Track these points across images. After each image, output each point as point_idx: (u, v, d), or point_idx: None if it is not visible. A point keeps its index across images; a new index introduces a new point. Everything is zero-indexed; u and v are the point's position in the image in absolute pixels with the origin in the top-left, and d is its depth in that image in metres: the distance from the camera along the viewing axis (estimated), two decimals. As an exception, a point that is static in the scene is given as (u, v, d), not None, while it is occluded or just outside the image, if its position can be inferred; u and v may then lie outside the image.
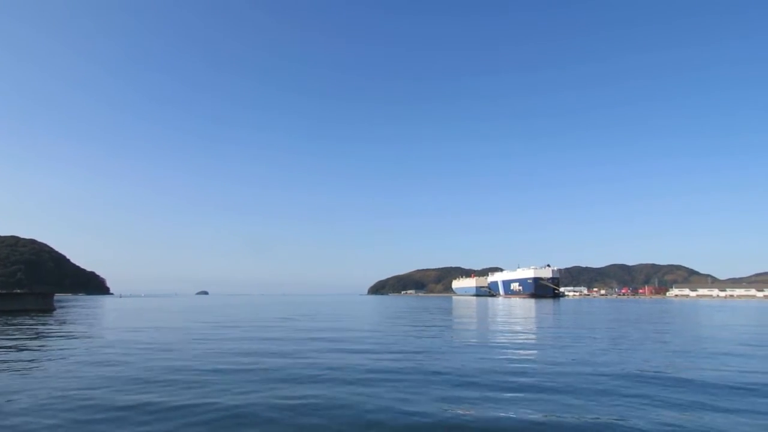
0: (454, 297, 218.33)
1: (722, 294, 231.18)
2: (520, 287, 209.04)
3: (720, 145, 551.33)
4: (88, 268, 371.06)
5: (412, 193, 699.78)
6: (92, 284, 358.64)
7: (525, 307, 67.59)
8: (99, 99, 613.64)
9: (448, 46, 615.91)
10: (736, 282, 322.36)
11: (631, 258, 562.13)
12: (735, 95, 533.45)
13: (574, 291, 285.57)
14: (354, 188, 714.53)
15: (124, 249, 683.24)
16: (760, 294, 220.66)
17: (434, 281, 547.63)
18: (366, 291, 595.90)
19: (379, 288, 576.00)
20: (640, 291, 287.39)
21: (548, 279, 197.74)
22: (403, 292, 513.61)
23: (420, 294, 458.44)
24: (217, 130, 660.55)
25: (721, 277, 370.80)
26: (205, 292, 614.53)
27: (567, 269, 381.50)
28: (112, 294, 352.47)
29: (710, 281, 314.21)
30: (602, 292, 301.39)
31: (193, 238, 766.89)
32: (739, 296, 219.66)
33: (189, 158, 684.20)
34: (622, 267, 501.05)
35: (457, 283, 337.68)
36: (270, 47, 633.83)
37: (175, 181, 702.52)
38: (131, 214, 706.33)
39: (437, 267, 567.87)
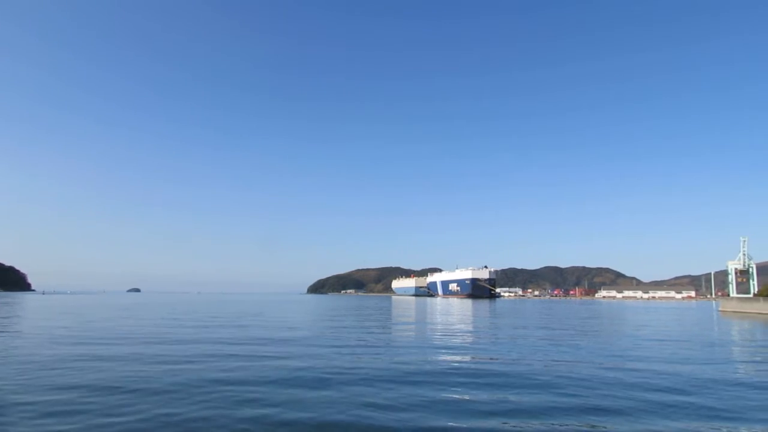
0: (394, 297, 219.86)
1: (645, 296, 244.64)
2: (458, 288, 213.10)
3: (642, 152, 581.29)
4: (6, 263, 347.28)
5: (354, 192, 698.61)
6: (10, 280, 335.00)
7: (462, 308, 68.86)
8: (20, 92, 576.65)
9: (390, 46, 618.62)
10: (658, 284, 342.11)
11: (564, 261, 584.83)
12: (661, 103, 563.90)
13: (510, 292, 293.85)
14: (296, 186, 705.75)
15: (50, 244, 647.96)
16: (678, 296, 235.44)
17: (374, 281, 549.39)
18: (305, 290, 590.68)
19: (319, 287, 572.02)
20: (571, 292, 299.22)
21: (485, 280, 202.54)
22: (342, 292, 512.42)
23: (360, 293, 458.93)
24: (144, 123, 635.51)
25: (645, 279, 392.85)
26: (137, 290, 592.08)
27: (503, 270, 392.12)
28: (33, 291, 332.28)
29: (635, 283, 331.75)
30: (536, 293, 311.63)
31: (127, 235, 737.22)
32: (660, 298, 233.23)
33: (119, 153, 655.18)
34: (555, 269, 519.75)
35: (396, 283, 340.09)
36: (206, 38, 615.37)
37: (106, 177, 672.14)
38: (58, 209, 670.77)
39: (377, 267, 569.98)
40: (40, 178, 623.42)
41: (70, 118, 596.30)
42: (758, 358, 17.98)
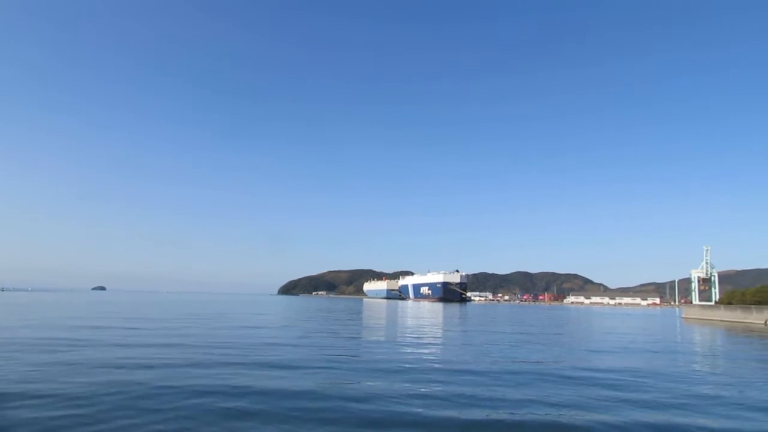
0: (365, 299, 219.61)
1: (612, 302, 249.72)
2: (430, 291, 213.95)
3: (612, 160, 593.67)
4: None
5: (327, 194, 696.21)
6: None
7: (433, 311, 69.17)
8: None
9: (357, 48, 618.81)
10: (624, 291, 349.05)
11: (534, 266, 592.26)
12: (630, 112, 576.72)
13: (480, 296, 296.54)
14: (268, 187, 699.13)
15: (12, 239, 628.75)
16: (643, 302, 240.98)
17: (346, 283, 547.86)
18: (276, 291, 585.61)
19: (290, 288, 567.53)
20: (540, 297, 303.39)
21: (456, 284, 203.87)
22: (314, 293, 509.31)
23: (331, 295, 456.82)
24: (114, 119, 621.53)
25: (612, 286, 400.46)
26: (103, 288, 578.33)
27: (474, 275, 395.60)
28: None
29: (602, 290, 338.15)
30: (506, 297, 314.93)
31: (95, 232, 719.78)
32: (626, 304, 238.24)
33: (86, 149, 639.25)
34: (525, 274, 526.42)
35: (368, 286, 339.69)
36: (176, 38, 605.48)
37: (72, 173, 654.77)
38: (20, 204, 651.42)
39: (349, 269, 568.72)
40: (1, 172, 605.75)
41: (31, 111, 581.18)
42: (714, 361, 18.63)
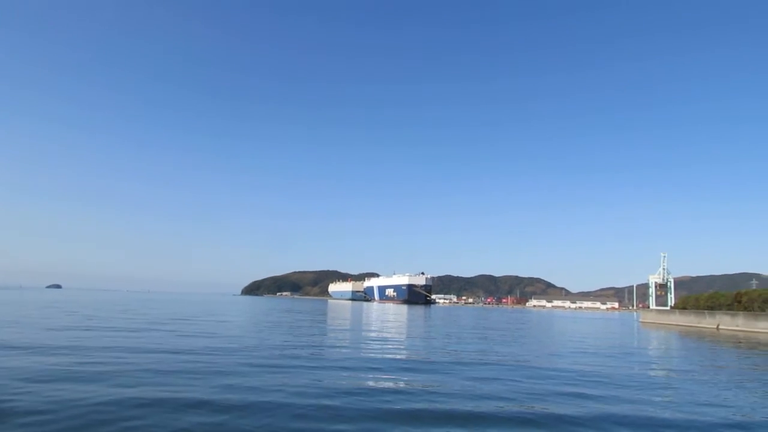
0: (330, 301, 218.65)
1: (573, 306, 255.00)
2: (395, 293, 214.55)
3: (576, 166, 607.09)
4: None
5: (294, 193, 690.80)
6: None
7: (398, 313, 69.31)
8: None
9: (327, 50, 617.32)
10: (585, 295, 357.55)
11: (498, 270, 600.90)
12: (591, 119, 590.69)
13: (445, 298, 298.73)
14: (233, 186, 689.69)
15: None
16: (603, 307, 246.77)
17: (311, 284, 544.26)
18: (240, 291, 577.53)
19: (254, 289, 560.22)
20: (504, 300, 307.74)
21: (421, 286, 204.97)
22: (278, 294, 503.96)
23: (296, 296, 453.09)
24: (70, 114, 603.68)
25: (573, 290, 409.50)
26: (58, 286, 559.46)
27: (439, 277, 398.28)
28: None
29: (564, 294, 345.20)
30: (470, 300, 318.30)
31: (50, 226, 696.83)
32: (587, 308, 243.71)
33: (41, 142, 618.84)
34: (489, 278, 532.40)
35: (333, 287, 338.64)
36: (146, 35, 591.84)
37: (28, 165, 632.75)
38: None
39: (315, 270, 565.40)
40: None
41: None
42: (669, 361, 19.10)
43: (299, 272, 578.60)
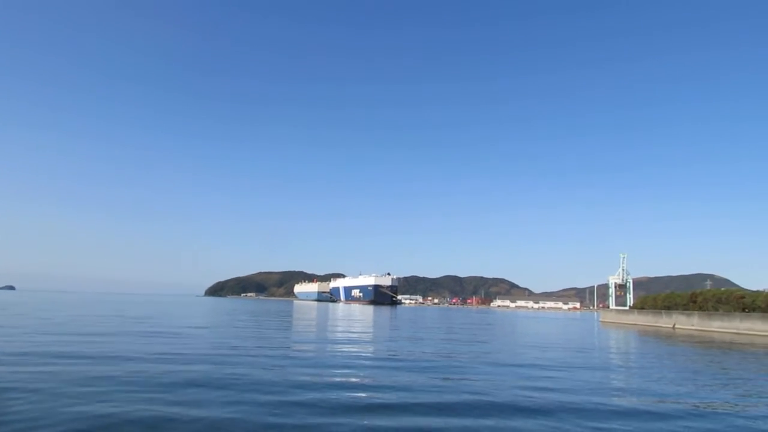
0: (296, 301, 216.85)
1: (536, 306, 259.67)
2: (361, 294, 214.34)
3: (540, 169, 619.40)
4: None
5: (259, 194, 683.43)
6: None
7: (363, 313, 69.19)
8: None
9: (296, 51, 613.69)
10: (547, 296, 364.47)
11: (463, 270, 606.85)
12: (555, 122, 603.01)
13: (411, 299, 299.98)
14: (197, 187, 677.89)
15: None
16: (565, 307, 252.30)
17: (276, 285, 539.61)
18: (203, 292, 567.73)
19: (218, 290, 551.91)
20: (469, 301, 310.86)
21: (387, 287, 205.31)
22: (243, 295, 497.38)
23: (261, 297, 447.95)
24: (24, 116, 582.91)
25: (536, 290, 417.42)
26: (11, 287, 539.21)
27: (405, 278, 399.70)
28: None
29: (527, 294, 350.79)
30: (436, 301, 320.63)
31: (3, 229, 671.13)
32: (549, 308, 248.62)
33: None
34: (455, 278, 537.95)
35: (299, 288, 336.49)
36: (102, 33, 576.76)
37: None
38: None
39: (280, 270, 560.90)
40: None
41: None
42: (626, 357, 19.53)
43: (264, 273, 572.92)
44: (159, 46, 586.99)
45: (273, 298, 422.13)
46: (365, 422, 7.99)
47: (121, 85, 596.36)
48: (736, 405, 10.58)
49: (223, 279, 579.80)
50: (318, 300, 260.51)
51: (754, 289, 47.53)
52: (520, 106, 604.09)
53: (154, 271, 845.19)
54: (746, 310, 42.80)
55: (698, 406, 10.22)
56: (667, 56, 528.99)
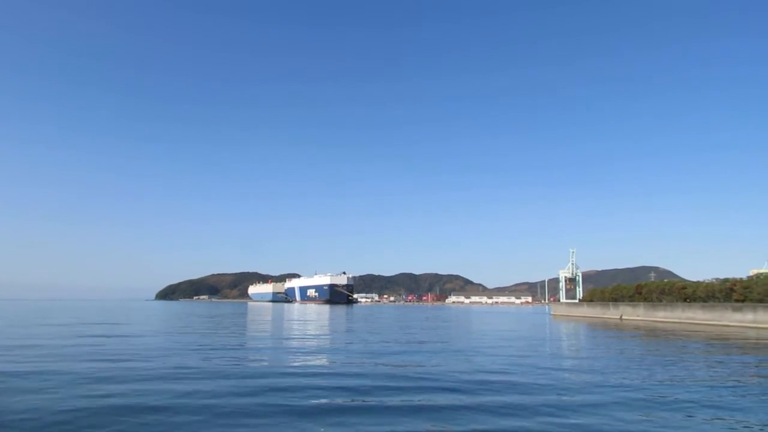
0: (250, 303, 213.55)
1: (490, 301, 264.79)
2: (316, 293, 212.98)
3: (490, 165, 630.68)
4: None
5: (210, 195, 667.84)
6: None
7: (319, 313, 68.69)
8: None
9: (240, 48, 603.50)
10: (501, 290, 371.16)
11: (418, 268, 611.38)
12: (501, 120, 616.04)
13: (367, 297, 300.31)
14: (144, 189, 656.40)
15: None
16: (518, 301, 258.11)
17: (230, 286, 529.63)
18: (154, 296, 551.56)
19: (169, 293, 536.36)
20: (424, 298, 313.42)
21: (343, 286, 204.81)
22: (195, 298, 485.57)
23: (214, 299, 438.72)
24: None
25: (490, 286, 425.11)
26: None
27: (361, 277, 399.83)
28: None
29: (481, 290, 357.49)
30: (392, 298, 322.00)
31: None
32: (502, 303, 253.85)
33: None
34: (410, 276, 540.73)
35: (253, 289, 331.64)
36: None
37: None
38: None
39: (234, 272, 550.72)
40: None
41: None
42: (575, 348, 20.06)
43: (217, 275, 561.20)
44: (74, 40, 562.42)
45: (226, 300, 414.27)
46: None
47: (46, 84, 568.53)
48: (661, 383, 11.24)
49: (174, 282, 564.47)
50: (273, 301, 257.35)
51: (695, 279, 49.73)
52: (473, 104, 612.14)
53: (103, 275, 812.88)
54: (687, 300, 44.72)
55: (627, 385, 11.33)
56: (595, 59, 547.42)
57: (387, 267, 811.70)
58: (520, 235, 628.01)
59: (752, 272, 58.14)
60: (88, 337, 24.98)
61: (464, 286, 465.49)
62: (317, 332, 30.91)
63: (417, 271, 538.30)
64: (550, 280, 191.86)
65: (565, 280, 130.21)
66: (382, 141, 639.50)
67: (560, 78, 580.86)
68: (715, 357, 17.45)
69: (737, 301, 39.50)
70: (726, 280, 42.65)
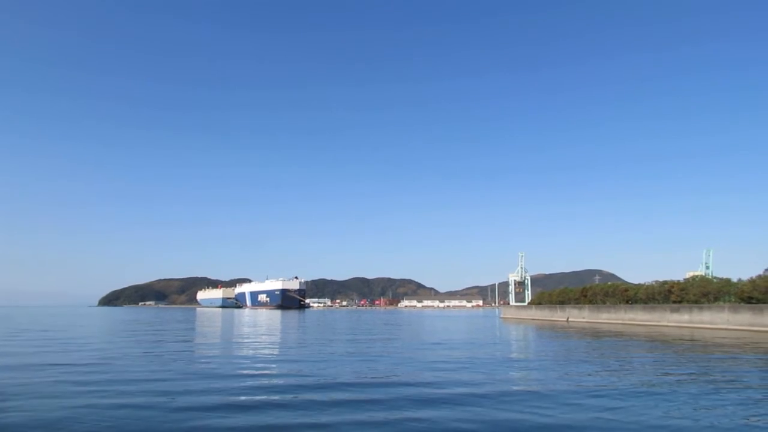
0: (199, 309, 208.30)
1: (442, 305, 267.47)
2: (268, 299, 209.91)
3: (444, 171, 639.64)
4: None
5: (157, 199, 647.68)
6: None
7: (270, 319, 67.64)
8: None
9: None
10: (452, 294, 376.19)
11: (370, 272, 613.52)
12: (453, 125, 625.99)
13: (319, 302, 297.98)
14: (90, 193, 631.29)
15: None
16: (469, 304, 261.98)
17: (177, 292, 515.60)
18: (97, 302, 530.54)
19: (113, 299, 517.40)
20: (377, 302, 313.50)
21: (295, 291, 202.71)
22: (141, 303, 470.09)
23: (161, 305, 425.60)
24: None
25: (442, 290, 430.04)
26: None
27: (313, 281, 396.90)
28: None
29: (433, 294, 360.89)
30: (344, 303, 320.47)
31: None
32: (454, 306, 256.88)
33: None
34: (363, 280, 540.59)
35: (202, 294, 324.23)
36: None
37: None
38: None
39: (182, 277, 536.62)
40: None
41: None
42: (525, 345, 20.52)
43: (164, 280, 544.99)
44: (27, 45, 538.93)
45: (174, 306, 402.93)
46: None
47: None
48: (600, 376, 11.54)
49: (119, 287, 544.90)
50: (223, 306, 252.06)
51: (637, 282, 51.78)
52: (435, 108, 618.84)
53: (43, 281, 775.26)
54: (630, 302, 46.52)
55: (570, 377, 12.23)
56: (570, 64, 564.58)
57: (340, 272, 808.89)
58: (471, 240, 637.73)
59: (688, 275, 61.01)
60: None
61: (417, 290, 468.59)
62: (269, 343, 30.46)
63: (370, 276, 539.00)
64: (500, 284, 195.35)
65: (515, 284, 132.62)
66: (335, 145, 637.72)
67: (516, 84, 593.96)
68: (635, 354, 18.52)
69: (675, 302, 41.33)
70: (665, 283, 44.57)
